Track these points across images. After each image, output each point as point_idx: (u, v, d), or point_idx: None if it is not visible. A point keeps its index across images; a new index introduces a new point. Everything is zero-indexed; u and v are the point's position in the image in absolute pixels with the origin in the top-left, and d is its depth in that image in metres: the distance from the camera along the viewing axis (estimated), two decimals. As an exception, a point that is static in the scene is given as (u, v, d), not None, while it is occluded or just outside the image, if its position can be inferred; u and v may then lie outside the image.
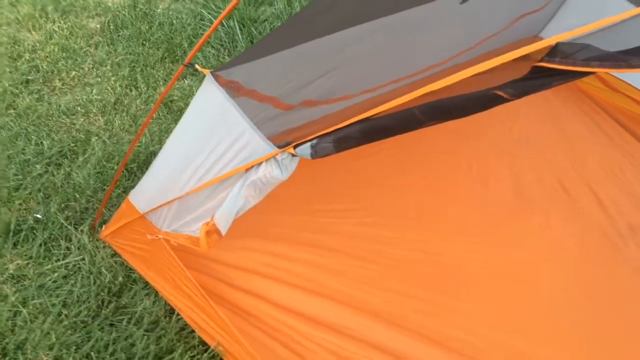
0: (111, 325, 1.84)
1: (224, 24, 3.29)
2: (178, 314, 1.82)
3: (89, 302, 1.87)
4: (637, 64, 0.85)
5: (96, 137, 2.50)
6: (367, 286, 1.95)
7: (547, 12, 2.73)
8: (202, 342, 1.78)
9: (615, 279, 2.11)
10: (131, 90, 2.81)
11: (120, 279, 1.93)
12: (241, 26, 3.28)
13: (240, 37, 3.22)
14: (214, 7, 3.46)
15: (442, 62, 2.18)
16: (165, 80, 2.90)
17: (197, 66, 1.56)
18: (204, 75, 1.48)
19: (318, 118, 1.74)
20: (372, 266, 2.02)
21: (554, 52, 0.96)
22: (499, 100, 1.04)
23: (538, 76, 0.99)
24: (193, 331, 1.80)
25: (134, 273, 1.96)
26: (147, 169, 1.84)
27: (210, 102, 1.53)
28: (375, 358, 1.76)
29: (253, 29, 3.30)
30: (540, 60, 0.98)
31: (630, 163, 2.60)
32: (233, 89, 1.56)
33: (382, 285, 1.96)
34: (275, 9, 3.48)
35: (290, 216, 2.15)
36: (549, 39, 0.92)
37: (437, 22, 2.00)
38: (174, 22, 3.34)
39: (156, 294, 1.91)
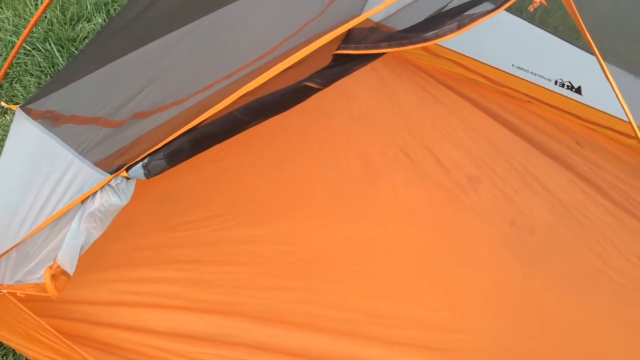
0: (-34, 399, 1.67)
1: (40, 48, 3.05)
2: (42, 368, 1.69)
3: None
4: (417, 39, 0.93)
5: None
6: (238, 289, 1.94)
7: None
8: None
9: (462, 227, 2.31)
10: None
11: (-33, 347, 1.74)
12: (60, 48, 3.06)
13: (60, 60, 3.00)
14: (26, 31, 3.19)
15: (268, 52, 2.20)
16: (-19, 120, 2.64)
17: (2, 103, 1.44)
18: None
19: (150, 129, 1.68)
20: (240, 268, 2.01)
21: (348, 38, 1.02)
22: (311, 91, 1.08)
23: (339, 63, 1.04)
24: (63, 381, 1.68)
25: (-17, 337, 1.78)
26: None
27: (25, 139, 1.42)
28: (258, 359, 1.77)
29: (74, 49, 3.09)
30: (338, 48, 1.03)
31: (458, 119, 2.83)
32: (51, 119, 1.46)
33: (253, 285, 1.97)
34: (94, 25, 3.29)
35: (150, 237, 2.07)
36: (341, 27, 0.97)
37: (254, 16, 2.02)
38: (-18, 54, 3.04)
39: (14, 352, 1.75)
